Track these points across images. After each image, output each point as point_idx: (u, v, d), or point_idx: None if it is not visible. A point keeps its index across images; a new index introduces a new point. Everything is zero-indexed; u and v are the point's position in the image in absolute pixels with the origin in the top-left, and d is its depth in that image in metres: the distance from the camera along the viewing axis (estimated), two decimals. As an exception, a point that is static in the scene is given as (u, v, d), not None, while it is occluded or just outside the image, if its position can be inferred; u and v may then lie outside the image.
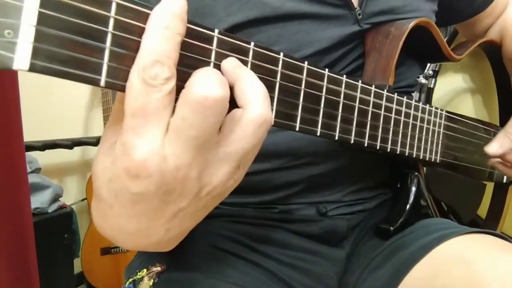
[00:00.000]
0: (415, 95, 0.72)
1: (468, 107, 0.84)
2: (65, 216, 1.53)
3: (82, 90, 1.92)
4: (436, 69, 0.87)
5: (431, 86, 0.87)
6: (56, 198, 1.52)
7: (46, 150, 1.58)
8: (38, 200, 1.43)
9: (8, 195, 0.83)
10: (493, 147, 0.60)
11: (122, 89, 0.25)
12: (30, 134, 1.50)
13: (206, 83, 0.25)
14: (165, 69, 0.24)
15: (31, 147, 1.50)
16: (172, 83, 0.24)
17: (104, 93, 1.81)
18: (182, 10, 0.25)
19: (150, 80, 0.23)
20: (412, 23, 0.50)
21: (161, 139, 0.25)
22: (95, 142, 1.76)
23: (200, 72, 0.26)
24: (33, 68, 0.22)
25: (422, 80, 0.88)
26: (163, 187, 0.26)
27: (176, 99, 0.25)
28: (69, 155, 1.79)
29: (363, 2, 0.50)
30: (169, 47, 0.24)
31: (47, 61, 0.22)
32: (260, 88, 0.28)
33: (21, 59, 0.21)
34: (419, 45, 0.55)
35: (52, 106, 1.75)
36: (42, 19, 0.22)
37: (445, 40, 0.58)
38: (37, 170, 1.51)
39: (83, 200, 1.82)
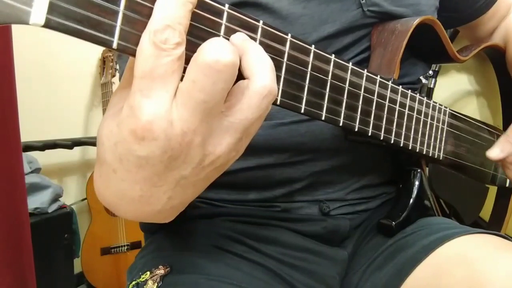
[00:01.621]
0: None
1: (472, 109, 0.83)
2: (65, 216, 1.53)
3: (82, 90, 1.92)
4: (436, 69, 0.87)
5: (431, 86, 0.87)
6: (56, 198, 1.51)
7: (46, 150, 1.58)
8: (38, 200, 1.43)
9: (4, 196, 0.82)
10: (495, 152, 0.61)
11: (133, 53, 0.25)
12: (30, 134, 1.50)
13: (217, 48, 0.25)
14: (176, 34, 0.24)
15: (31, 147, 1.50)
16: (182, 48, 0.25)
17: (104, 93, 1.81)
18: None
19: (161, 43, 0.24)
20: (417, 20, 0.51)
21: (169, 104, 0.25)
22: (95, 142, 1.75)
23: (212, 39, 0.26)
24: (48, 24, 0.22)
25: (422, 80, 0.88)
26: (168, 152, 0.26)
27: (185, 69, 0.26)
28: (69, 155, 1.78)
29: None
30: (180, 13, 0.25)
31: (62, 18, 0.23)
32: (266, 61, 0.29)
33: (37, 14, 0.22)
34: (424, 44, 0.55)
35: (52, 106, 1.75)
36: None
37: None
38: (37, 170, 1.51)
39: (83, 200, 1.82)
